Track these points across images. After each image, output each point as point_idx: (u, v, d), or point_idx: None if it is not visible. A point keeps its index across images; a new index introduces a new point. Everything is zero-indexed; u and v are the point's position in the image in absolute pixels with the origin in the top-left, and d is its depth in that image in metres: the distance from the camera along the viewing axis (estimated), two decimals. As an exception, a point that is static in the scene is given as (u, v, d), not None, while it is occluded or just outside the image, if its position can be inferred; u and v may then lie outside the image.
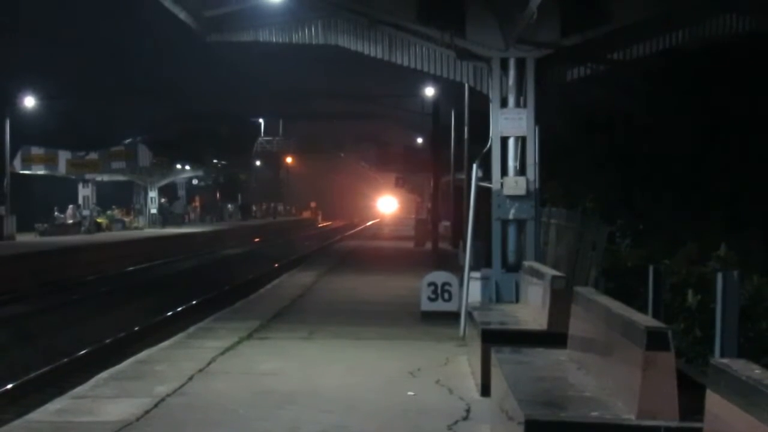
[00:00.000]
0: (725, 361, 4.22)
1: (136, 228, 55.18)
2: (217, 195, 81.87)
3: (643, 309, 9.12)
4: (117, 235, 48.55)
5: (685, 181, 19.28)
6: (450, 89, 31.75)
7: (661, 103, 20.74)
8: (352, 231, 72.50)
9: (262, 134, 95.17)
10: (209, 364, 10.62)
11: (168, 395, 8.85)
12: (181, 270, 34.49)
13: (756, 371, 3.93)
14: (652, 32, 15.62)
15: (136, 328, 17.56)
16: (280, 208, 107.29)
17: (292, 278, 23.18)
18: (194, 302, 21.69)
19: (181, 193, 70.49)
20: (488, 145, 15.18)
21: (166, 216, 56.80)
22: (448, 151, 37.92)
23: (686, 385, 5.13)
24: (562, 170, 21.60)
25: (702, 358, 10.31)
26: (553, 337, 8.20)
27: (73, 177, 53.65)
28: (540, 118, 15.08)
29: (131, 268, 33.62)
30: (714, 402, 4.13)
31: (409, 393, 9.14)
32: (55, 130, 48.00)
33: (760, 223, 16.47)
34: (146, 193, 61.16)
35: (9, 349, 16.00)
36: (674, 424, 5.08)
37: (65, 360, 14.32)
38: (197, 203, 73.29)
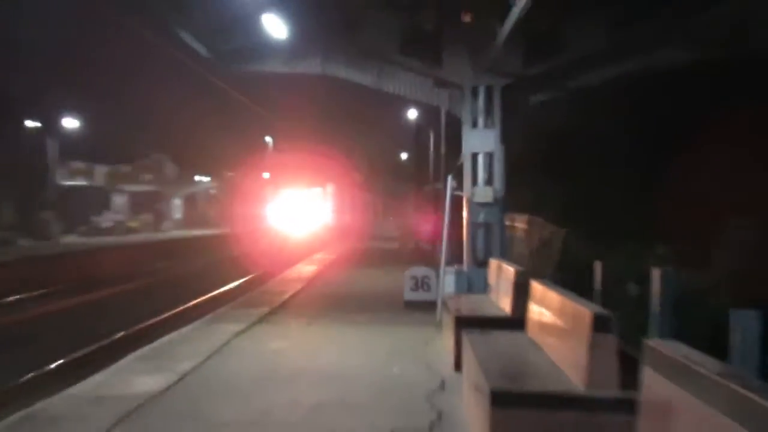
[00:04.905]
0: (656, 341, 4.27)
1: (162, 231, 55.17)
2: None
3: (592, 299, 9.18)
4: (147, 236, 48.47)
5: (632, 187, 19.37)
6: (429, 112, 31.76)
7: (611, 120, 20.84)
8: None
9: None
10: (225, 345, 10.62)
11: (189, 371, 8.87)
12: (204, 264, 34.16)
13: (681, 349, 3.98)
14: (604, 62, 15.71)
15: (166, 315, 17.55)
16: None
17: (294, 271, 23.15)
18: (214, 293, 21.65)
19: (201, 200, 70.35)
20: (461, 160, 15.27)
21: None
22: (428, 164, 37.95)
23: (627, 362, 5.17)
24: (526, 180, 21.70)
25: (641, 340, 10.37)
26: (515, 322, 8.24)
27: (109, 187, 53.76)
28: (505, 136, 15.16)
29: (161, 265, 33.36)
30: (648, 375, 4.18)
31: (394, 369, 9.17)
32: (93, 146, 47.93)
33: (695, 225, 16.53)
34: (171, 201, 61.44)
35: (56, 334, 15.95)
36: (616, 394, 5.13)
37: (105, 342, 14.32)
38: (210, 209, 72.81)
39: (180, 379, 8.49)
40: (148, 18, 15.34)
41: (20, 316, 18.91)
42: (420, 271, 15.02)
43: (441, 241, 14.15)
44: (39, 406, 7.43)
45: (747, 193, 15.08)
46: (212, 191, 70.76)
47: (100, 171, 52.16)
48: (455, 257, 15.11)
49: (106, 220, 50.36)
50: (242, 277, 25.61)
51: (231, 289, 22.73)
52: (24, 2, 33.74)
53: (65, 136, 44.51)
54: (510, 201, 16.06)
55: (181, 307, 18.74)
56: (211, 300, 20.06)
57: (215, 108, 43.89)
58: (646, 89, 18.23)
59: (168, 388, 8.06)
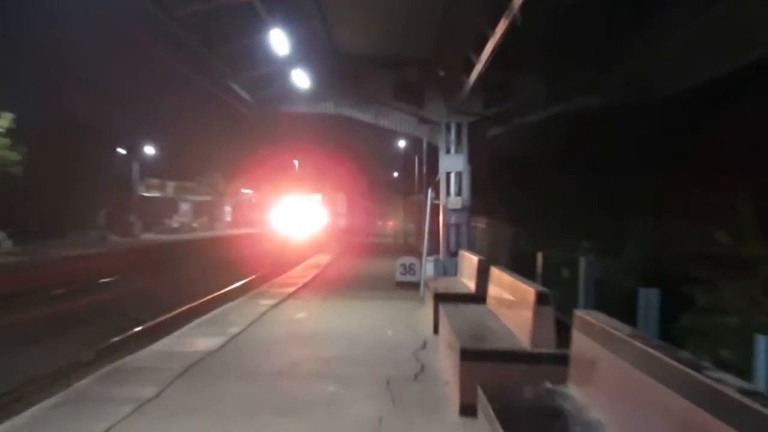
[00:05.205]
0: (583, 311, 4.29)
1: (215, 230, 55.28)
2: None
3: (535, 280, 9.18)
4: (204, 234, 48.56)
5: (565, 197, 19.37)
6: (414, 141, 31.81)
7: (547, 147, 20.86)
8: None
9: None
10: (262, 315, 10.63)
11: (236, 335, 8.87)
12: (249, 253, 33.84)
13: (600, 316, 4.00)
14: (540, 106, 15.82)
15: (223, 290, 17.49)
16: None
17: (313, 260, 23.16)
18: (253, 276, 21.55)
19: (245, 207, 70.23)
20: (438, 177, 15.31)
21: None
22: (413, 180, 38.01)
23: (561, 327, 5.19)
24: (487, 192, 21.71)
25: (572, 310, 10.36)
26: (478, 297, 8.27)
27: (176, 197, 53.83)
28: (471, 160, 15.22)
29: (216, 253, 33.15)
30: (576, 336, 4.20)
31: (388, 332, 9.17)
32: (165, 167, 48.20)
33: (611, 225, 16.53)
34: (223, 208, 61.63)
35: (137, 308, 15.93)
36: (553, 350, 5.15)
37: (175, 312, 14.27)
38: (251, 214, 72.50)
39: (230, 340, 8.49)
40: (209, 74, 15.36)
41: (123, 290, 18.92)
42: (407, 259, 15.05)
43: (423, 237, 14.18)
44: (125, 360, 7.43)
45: (649, 200, 15.15)
46: (254, 200, 70.66)
47: (170, 185, 52.18)
48: (434, 249, 15.13)
49: (174, 221, 50.62)
50: (274, 264, 25.52)
51: (265, 273, 22.66)
52: (122, 70, 34.18)
53: (145, 160, 44.72)
54: (474, 207, 16.09)
55: (228, 288, 18.68)
56: (251, 282, 19.99)
57: (257, 138, 43.93)
58: (574, 123, 18.28)
59: (221, 347, 8.07)
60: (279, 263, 25.24)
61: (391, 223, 52.28)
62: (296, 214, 40.01)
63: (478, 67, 11.72)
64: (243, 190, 65.69)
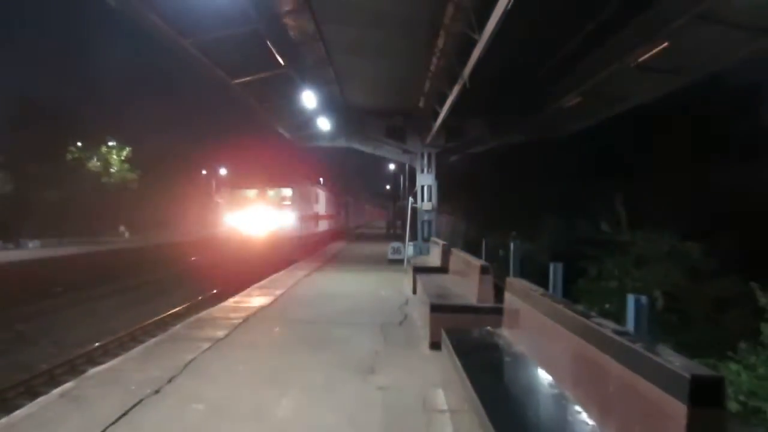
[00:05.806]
0: (512, 278, 4.28)
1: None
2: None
3: (481, 257, 9.16)
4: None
5: (501, 202, 19.34)
6: (400, 165, 31.65)
7: (490, 168, 20.82)
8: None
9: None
10: (298, 281, 10.56)
11: (281, 294, 8.81)
12: (299, 243, 33.56)
13: (523, 282, 3.99)
14: (484, 140, 15.80)
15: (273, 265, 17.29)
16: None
17: (335, 245, 23.04)
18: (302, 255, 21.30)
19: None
20: (415, 189, 15.28)
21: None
22: (399, 191, 37.83)
23: (498, 289, 5.18)
24: (449, 198, 21.65)
25: (505, 278, 10.29)
26: (443, 269, 8.25)
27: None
28: (438, 177, 15.20)
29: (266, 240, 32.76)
30: (508, 295, 4.18)
31: (382, 293, 9.13)
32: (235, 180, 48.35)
33: (529, 220, 16.49)
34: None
35: (216, 276, 15.82)
36: (492, 305, 5.13)
37: (240, 279, 14.12)
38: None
39: (276, 298, 8.44)
40: (261, 120, 15.33)
41: (205, 264, 18.75)
42: (396, 244, 15.00)
43: (406, 229, 14.15)
44: (203, 313, 7.38)
45: (558, 203, 15.20)
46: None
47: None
48: (413, 237, 15.11)
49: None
50: (307, 247, 25.27)
51: (300, 252, 22.45)
52: (203, 117, 34.38)
53: (219, 178, 44.75)
54: (440, 208, 16.07)
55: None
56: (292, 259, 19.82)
57: (292, 163, 43.92)
58: (507, 152, 18.29)
59: (271, 303, 8.02)
60: (309, 246, 25.11)
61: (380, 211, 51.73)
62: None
63: (441, 115, 11.73)
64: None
